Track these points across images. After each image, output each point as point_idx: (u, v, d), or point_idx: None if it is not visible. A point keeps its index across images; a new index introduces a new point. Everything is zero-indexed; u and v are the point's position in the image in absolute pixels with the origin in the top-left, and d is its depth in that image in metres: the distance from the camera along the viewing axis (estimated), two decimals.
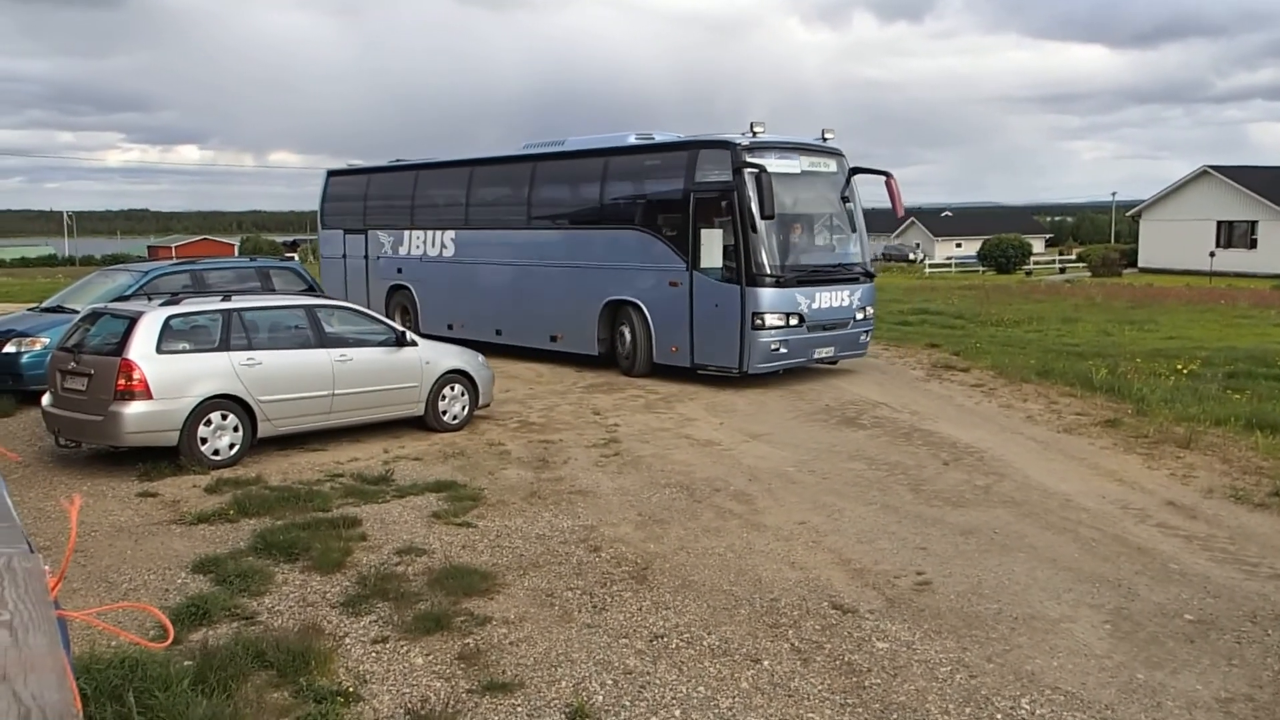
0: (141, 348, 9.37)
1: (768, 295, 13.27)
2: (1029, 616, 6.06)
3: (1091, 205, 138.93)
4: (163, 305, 10.04)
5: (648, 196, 14.84)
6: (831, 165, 14.41)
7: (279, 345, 10.34)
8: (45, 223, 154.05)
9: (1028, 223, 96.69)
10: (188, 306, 10.15)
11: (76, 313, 11.63)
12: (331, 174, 21.31)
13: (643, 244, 14.60)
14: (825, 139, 14.43)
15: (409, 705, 4.96)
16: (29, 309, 15.56)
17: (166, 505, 8.52)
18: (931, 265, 68.96)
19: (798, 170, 13.93)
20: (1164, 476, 9.31)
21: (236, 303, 10.37)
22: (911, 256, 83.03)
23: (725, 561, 7.02)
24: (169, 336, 9.61)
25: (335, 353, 10.49)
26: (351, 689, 5.08)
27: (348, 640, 5.72)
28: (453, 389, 11.35)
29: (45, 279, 42.78)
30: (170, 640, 2.56)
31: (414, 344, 11.23)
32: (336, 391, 10.41)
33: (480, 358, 11.95)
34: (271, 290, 14.22)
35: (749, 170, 13.10)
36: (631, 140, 15.34)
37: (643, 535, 7.59)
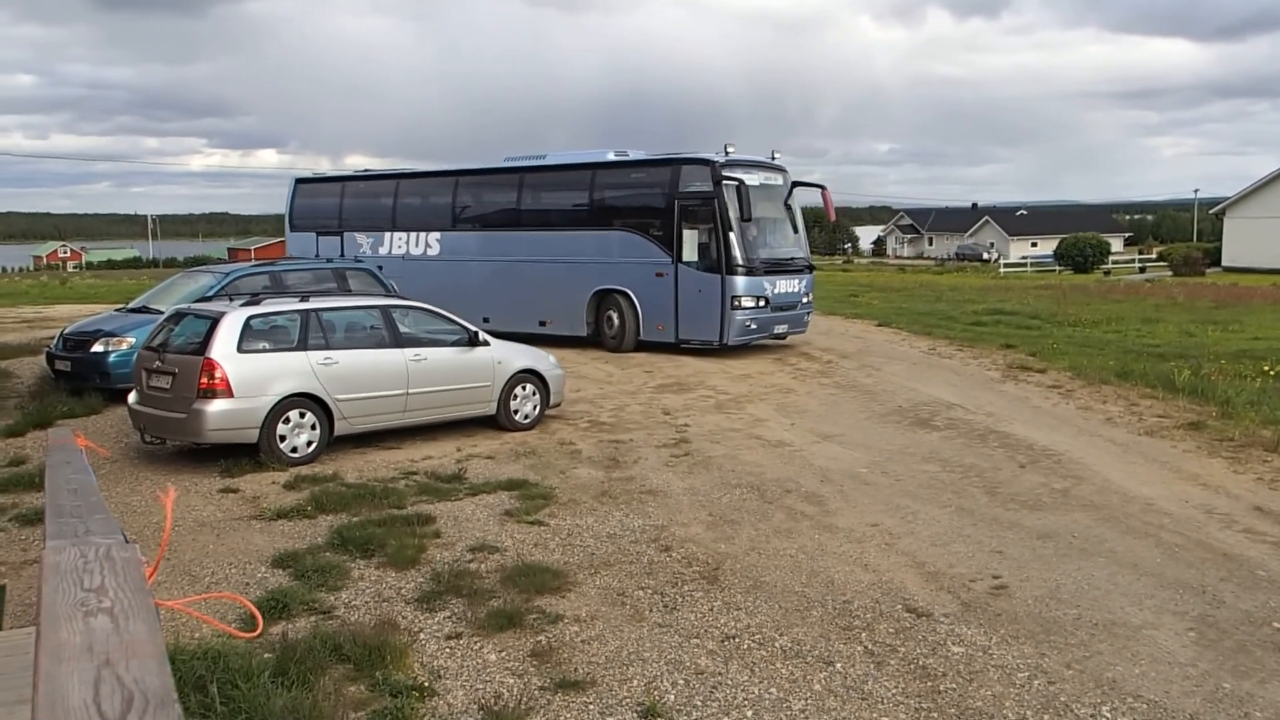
0: (223, 347, 9.60)
1: (743, 282, 15.90)
2: (1109, 623, 5.93)
3: (1172, 203, 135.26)
4: (243, 306, 10.28)
5: (635, 203, 17.65)
6: (779, 179, 17.24)
7: (355, 345, 10.53)
8: (131, 226, 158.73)
9: (1106, 221, 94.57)
10: (267, 307, 10.38)
11: (161, 313, 11.96)
12: (300, 181, 23.00)
13: (631, 242, 17.06)
14: (774, 158, 17.32)
15: (482, 701, 5.01)
16: (116, 310, 16.02)
17: (247, 501, 8.73)
18: (1006, 265, 67.76)
19: (758, 183, 16.45)
20: (1250, 481, 9.04)
21: (314, 303, 10.58)
22: (985, 256, 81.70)
23: (797, 563, 6.98)
24: (249, 336, 9.84)
25: (410, 352, 10.65)
26: (426, 684, 5.16)
27: (422, 636, 5.80)
28: (524, 388, 11.45)
29: (131, 280, 44.02)
30: (259, 631, 2.63)
31: (486, 344, 11.34)
32: (411, 390, 10.56)
33: (551, 358, 12.03)
34: (347, 291, 14.48)
35: (727, 182, 15.75)
36: (610, 156, 17.92)
37: (713, 536, 7.58)
